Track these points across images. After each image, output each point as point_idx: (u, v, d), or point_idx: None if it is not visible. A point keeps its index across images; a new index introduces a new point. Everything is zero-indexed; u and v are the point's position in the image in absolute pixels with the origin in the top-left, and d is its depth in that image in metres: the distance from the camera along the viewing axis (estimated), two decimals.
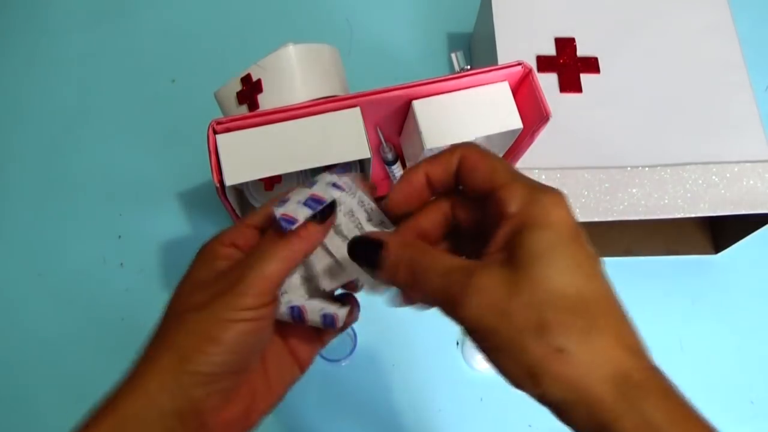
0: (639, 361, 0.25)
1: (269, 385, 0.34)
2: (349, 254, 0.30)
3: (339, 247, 0.33)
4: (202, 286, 0.30)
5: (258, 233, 0.33)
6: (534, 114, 0.45)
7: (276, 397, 0.35)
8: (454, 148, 0.30)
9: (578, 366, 0.25)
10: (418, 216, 0.32)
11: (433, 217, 0.32)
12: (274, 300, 0.30)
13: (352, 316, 0.35)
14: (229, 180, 0.42)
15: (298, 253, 0.31)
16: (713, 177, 0.56)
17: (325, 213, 0.31)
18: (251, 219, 0.33)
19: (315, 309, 0.32)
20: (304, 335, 0.35)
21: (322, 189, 0.32)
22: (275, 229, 0.31)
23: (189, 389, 0.28)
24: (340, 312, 0.33)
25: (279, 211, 0.30)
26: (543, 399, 0.25)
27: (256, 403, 0.33)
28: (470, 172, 0.29)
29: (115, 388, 0.29)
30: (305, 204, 0.31)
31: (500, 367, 0.26)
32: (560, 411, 0.25)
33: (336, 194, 0.33)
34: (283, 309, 0.32)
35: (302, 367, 0.36)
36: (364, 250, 0.30)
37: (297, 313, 0.32)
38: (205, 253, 0.32)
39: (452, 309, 0.27)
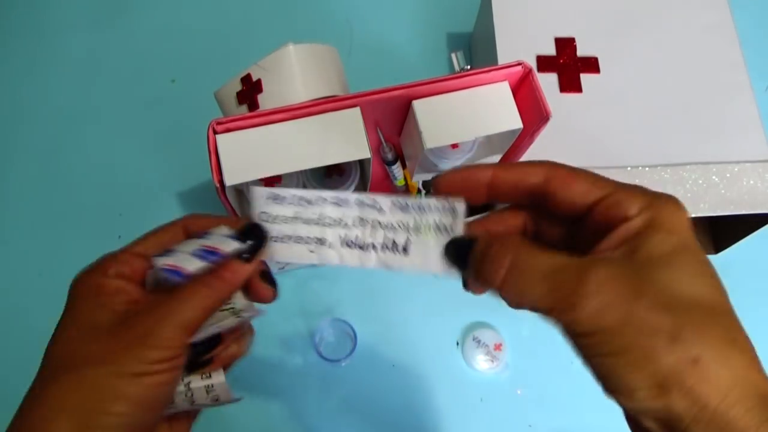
0: (761, 401, 0.22)
1: (170, 429, 0.30)
2: (445, 254, 0.27)
3: None
4: (97, 332, 0.26)
5: (147, 262, 0.28)
6: (534, 114, 0.45)
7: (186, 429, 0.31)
8: (536, 164, 0.27)
9: (716, 380, 0.22)
10: (490, 219, 0.29)
11: (510, 224, 0.29)
12: (187, 348, 0.27)
13: (238, 349, 0.31)
14: (229, 180, 0.42)
15: (220, 298, 0.27)
16: (713, 177, 0.56)
17: (251, 251, 0.28)
18: (138, 246, 0.29)
19: (203, 397, 0.29)
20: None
21: (219, 240, 0.28)
22: (165, 282, 0.26)
23: None
24: (216, 381, 0.29)
25: (161, 261, 0.26)
26: (659, 415, 0.22)
27: None
28: (563, 190, 0.27)
29: None
30: (195, 254, 0.26)
31: (616, 374, 0.23)
32: (674, 427, 0.22)
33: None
34: (181, 404, 0.29)
35: (195, 414, 0.32)
36: (455, 249, 0.27)
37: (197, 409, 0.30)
38: (90, 289, 0.27)
39: (562, 312, 0.23)
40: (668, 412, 0.22)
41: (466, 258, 0.26)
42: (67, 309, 0.28)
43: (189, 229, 0.29)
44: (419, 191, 0.57)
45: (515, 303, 0.25)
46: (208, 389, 0.29)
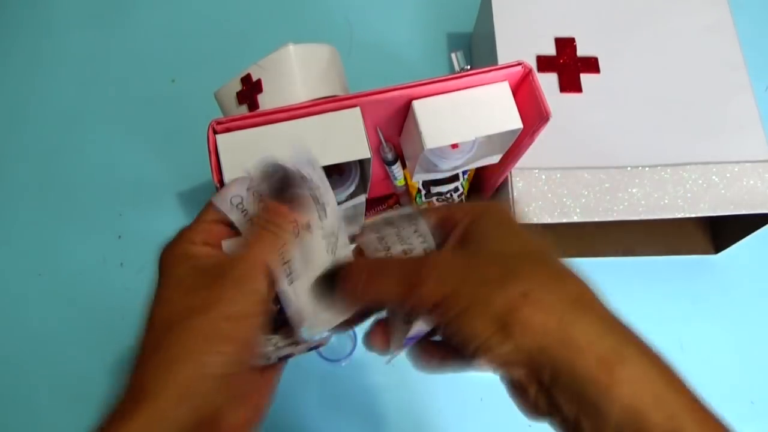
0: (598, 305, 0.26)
1: (265, 380, 0.34)
2: (314, 292, 0.32)
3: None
4: (193, 288, 0.29)
5: (225, 227, 0.32)
6: (534, 114, 0.45)
7: (273, 390, 0.34)
8: (420, 289, 0.28)
9: (548, 307, 0.24)
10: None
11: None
12: (272, 285, 0.30)
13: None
14: (229, 180, 0.41)
15: (282, 237, 0.31)
16: (713, 177, 0.56)
17: (284, 190, 0.32)
18: (211, 214, 0.32)
19: (302, 349, 0.33)
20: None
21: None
22: (253, 223, 0.31)
23: (210, 396, 0.27)
24: (324, 337, 0.33)
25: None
26: (514, 357, 0.25)
27: (260, 401, 0.33)
28: (446, 333, 0.28)
29: (118, 406, 0.27)
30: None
31: (467, 333, 0.26)
32: (533, 367, 0.25)
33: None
34: (273, 358, 0.32)
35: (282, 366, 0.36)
36: (325, 281, 0.31)
37: (286, 358, 0.33)
38: (180, 256, 0.31)
39: (411, 292, 0.27)
40: (521, 353, 0.25)
41: (334, 284, 0.31)
42: (161, 277, 0.31)
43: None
44: (419, 191, 0.57)
45: (373, 304, 0.31)
46: (294, 344, 0.33)
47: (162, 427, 0.26)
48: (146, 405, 0.26)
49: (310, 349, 0.33)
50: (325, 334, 0.33)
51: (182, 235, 0.31)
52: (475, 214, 0.29)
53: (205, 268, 0.30)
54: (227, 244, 0.31)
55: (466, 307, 0.26)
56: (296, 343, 0.33)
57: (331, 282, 0.31)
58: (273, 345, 0.32)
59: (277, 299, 0.31)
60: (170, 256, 0.31)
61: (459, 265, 0.27)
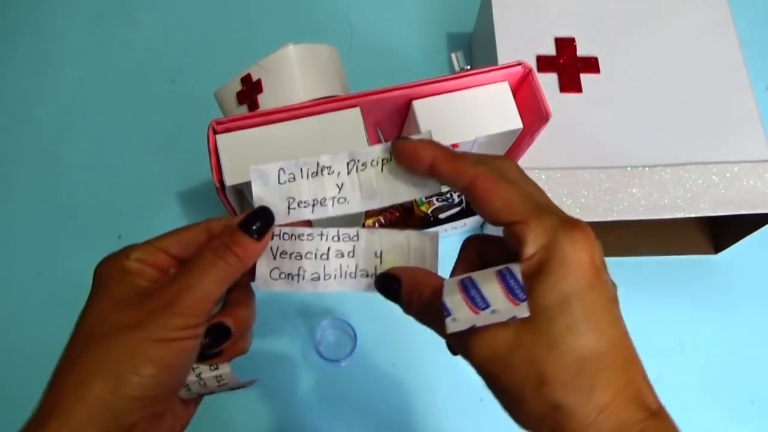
0: (639, 412, 0.25)
1: (185, 408, 0.33)
2: (377, 288, 0.32)
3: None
4: (125, 305, 0.28)
5: (169, 259, 0.31)
6: (534, 114, 0.45)
7: (189, 415, 0.33)
8: (470, 165, 0.28)
9: (577, 423, 0.25)
10: (456, 266, 0.32)
11: (469, 261, 0.32)
12: (208, 317, 0.29)
13: (243, 344, 0.33)
14: (229, 180, 0.42)
15: (234, 272, 0.30)
16: (713, 177, 0.56)
17: (261, 229, 0.30)
18: (159, 242, 0.31)
19: (225, 388, 0.32)
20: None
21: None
22: (209, 246, 0.30)
23: (122, 416, 0.27)
24: (224, 372, 0.32)
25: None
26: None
27: (175, 424, 0.32)
28: (482, 202, 0.28)
29: (29, 422, 0.27)
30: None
31: (504, 407, 0.27)
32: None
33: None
34: (193, 391, 0.31)
35: (240, 351, 0.34)
36: (386, 285, 0.31)
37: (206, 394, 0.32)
38: (114, 269, 0.30)
39: (460, 348, 0.27)
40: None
41: (395, 295, 0.31)
42: (94, 288, 0.30)
43: (212, 231, 0.31)
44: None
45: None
46: (218, 379, 0.32)
47: None
48: (54, 422, 0.26)
49: (233, 389, 0.32)
50: (252, 379, 0.33)
51: (125, 252, 0.30)
52: (546, 263, 0.25)
53: (142, 287, 0.29)
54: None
55: (504, 393, 0.27)
56: (220, 378, 0.32)
57: (389, 286, 0.31)
58: (196, 375, 0.31)
59: (207, 331, 0.30)
60: (105, 267, 0.30)
61: (506, 348, 0.26)
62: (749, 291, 0.65)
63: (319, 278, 0.32)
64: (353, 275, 0.33)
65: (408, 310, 0.30)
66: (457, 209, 0.60)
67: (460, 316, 0.25)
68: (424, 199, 0.57)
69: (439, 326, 0.28)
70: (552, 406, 0.25)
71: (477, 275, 0.27)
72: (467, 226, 0.63)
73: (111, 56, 0.72)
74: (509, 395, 0.26)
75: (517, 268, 0.26)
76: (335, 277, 0.32)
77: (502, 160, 0.29)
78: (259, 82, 0.47)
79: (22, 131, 0.68)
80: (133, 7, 0.74)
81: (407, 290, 0.30)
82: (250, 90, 0.48)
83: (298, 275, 0.32)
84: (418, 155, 0.30)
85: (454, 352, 0.32)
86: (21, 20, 0.73)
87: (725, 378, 0.61)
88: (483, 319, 0.25)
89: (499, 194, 0.27)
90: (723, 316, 0.64)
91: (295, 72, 0.47)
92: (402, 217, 0.62)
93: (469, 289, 0.26)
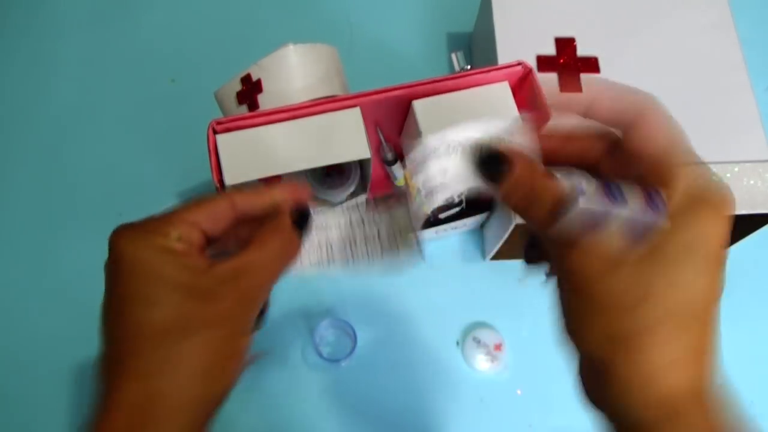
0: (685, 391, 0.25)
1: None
2: (473, 163, 0.28)
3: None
4: (195, 294, 0.26)
5: (202, 236, 0.29)
6: (534, 114, 0.45)
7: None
8: (633, 99, 0.27)
9: (650, 362, 0.24)
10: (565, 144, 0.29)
11: (579, 147, 0.29)
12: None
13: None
14: (229, 180, 0.42)
15: (290, 262, 0.29)
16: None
17: (305, 225, 0.30)
18: (189, 214, 0.28)
19: None
20: None
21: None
22: (277, 237, 0.29)
23: (212, 412, 0.27)
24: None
25: None
26: (597, 363, 0.25)
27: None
28: (645, 140, 0.26)
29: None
30: None
31: (573, 311, 0.26)
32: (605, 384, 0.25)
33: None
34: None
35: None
36: (489, 163, 0.27)
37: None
38: (157, 251, 0.27)
39: (559, 251, 0.26)
40: (612, 373, 0.25)
41: (498, 175, 0.27)
42: (134, 270, 0.27)
43: (237, 206, 0.30)
44: (419, 191, 0.56)
45: (531, 225, 0.27)
46: None
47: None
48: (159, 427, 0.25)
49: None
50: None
51: (158, 228, 0.27)
52: (684, 220, 0.25)
53: (199, 271, 0.27)
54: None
55: (589, 302, 0.25)
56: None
57: (494, 165, 0.28)
58: None
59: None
60: (147, 249, 0.27)
61: (613, 261, 0.25)
62: (749, 291, 0.65)
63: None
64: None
65: (509, 197, 0.27)
66: (457, 209, 0.60)
67: (592, 201, 0.24)
68: (424, 199, 0.57)
69: (541, 218, 0.26)
70: (640, 327, 0.24)
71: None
72: (467, 226, 0.63)
73: (111, 56, 0.72)
74: (595, 304, 0.25)
75: (661, 191, 0.25)
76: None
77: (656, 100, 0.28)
78: (259, 82, 0.47)
79: (22, 131, 0.68)
80: (133, 7, 0.74)
81: (520, 175, 0.27)
82: (250, 90, 0.48)
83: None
84: (573, 101, 0.28)
85: (531, 260, 0.32)
86: (21, 20, 0.73)
87: (725, 378, 0.61)
88: (615, 215, 0.24)
89: (664, 134, 0.27)
90: (723, 316, 0.64)
91: (295, 72, 0.47)
92: None
93: (607, 184, 0.25)
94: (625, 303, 0.24)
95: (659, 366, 0.24)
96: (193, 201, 0.29)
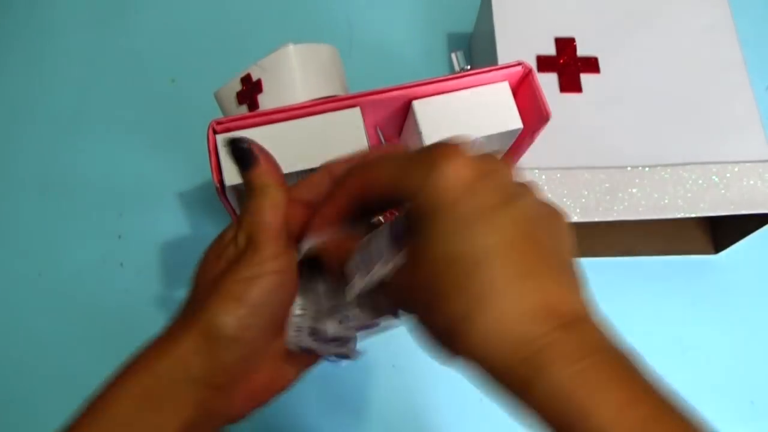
0: (543, 324, 0.22)
1: (292, 358, 0.34)
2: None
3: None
4: (224, 255, 0.31)
5: (303, 208, 0.32)
6: (534, 114, 0.45)
7: (297, 370, 0.34)
8: (341, 181, 0.30)
9: (476, 334, 0.23)
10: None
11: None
12: (288, 250, 0.30)
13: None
14: (229, 180, 0.42)
15: (282, 196, 0.31)
16: (713, 177, 0.56)
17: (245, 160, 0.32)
18: (296, 192, 0.32)
19: (326, 350, 0.33)
20: None
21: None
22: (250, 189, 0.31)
23: (219, 353, 0.28)
24: (350, 348, 0.34)
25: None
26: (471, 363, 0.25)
27: (278, 375, 0.33)
28: (371, 197, 0.29)
29: (148, 345, 0.30)
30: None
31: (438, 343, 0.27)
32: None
33: None
34: (292, 346, 0.33)
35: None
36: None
37: (308, 352, 0.33)
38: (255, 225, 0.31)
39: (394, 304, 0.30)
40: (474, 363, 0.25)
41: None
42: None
43: (333, 173, 0.32)
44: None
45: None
46: (339, 335, 0.33)
47: (177, 371, 0.28)
48: (169, 346, 0.29)
49: (341, 353, 0.34)
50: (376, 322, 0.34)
51: (268, 207, 0.31)
52: (411, 188, 0.25)
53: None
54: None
55: (419, 318, 0.27)
56: (346, 319, 0.33)
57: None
58: (300, 310, 0.32)
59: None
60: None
61: (405, 278, 0.27)
62: (749, 291, 0.65)
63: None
64: None
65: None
66: None
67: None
68: None
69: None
70: (451, 319, 0.23)
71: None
72: None
73: (110, 56, 0.72)
74: (419, 329, 0.27)
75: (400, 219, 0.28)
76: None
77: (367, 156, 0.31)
78: (259, 82, 0.47)
79: (22, 131, 0.68)
80: (132, 7, 0.74)
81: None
82: (250, 90, 0.48)
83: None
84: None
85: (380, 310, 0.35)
86: (20, 19, 0.73)
87: (725, 378, 0.61)
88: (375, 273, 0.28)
89: (378, 172, 0.28)
90: (723, 316, 0.64)
91: (295, 72, 0.47)
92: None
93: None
94: (431, 311, 0.25)
95: (493, 318, 0.23)
96: (298, 181, 0.33)
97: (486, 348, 0.23)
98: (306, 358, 0.34)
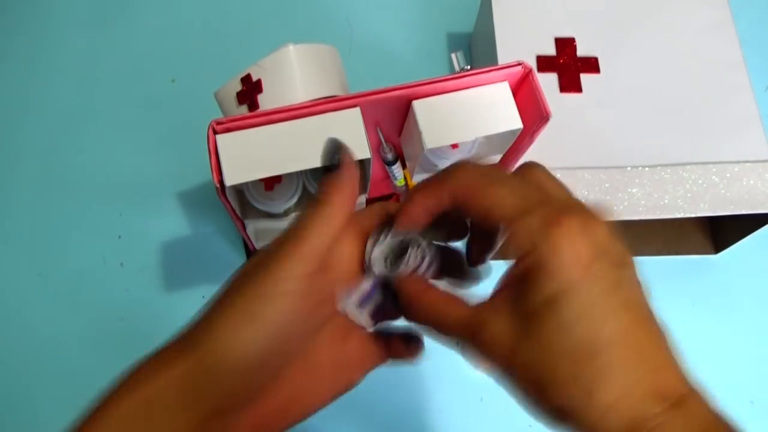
0: (655, 406, 0.24)
1: (312, 388, 0.30)
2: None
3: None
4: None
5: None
6: (534, 114, 0.45)
7: (317, 403, 0.31)
8: (446, 177, 0.28)
9: (584, 425, 0.24)
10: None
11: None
12: (319, 271, 0.27)
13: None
14: (229, 180, 0.42)
15: (339, 219, 0.28)
16: (713, 177, 0.56)
17: (333, 164, 0.29)
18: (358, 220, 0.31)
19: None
20: (368, 343, 0.32)
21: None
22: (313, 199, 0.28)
23: (219, 378, 0.25)
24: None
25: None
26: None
27: (293, 403, 0.29)
28: (468, 208, 0.27)
29: (145, 360, 0.26)
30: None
31: (521, 404, 0.27)
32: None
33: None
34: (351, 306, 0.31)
35: (353, 379, 0.32)
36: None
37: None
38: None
39: (476, 352, 0.28)
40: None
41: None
42: None
43: (390, 211, 0.32)
44: None
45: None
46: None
47: (170, 396, 0.25)
48: (167, 366, 0.25)
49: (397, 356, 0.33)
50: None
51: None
52: (537, 262, 0.25)
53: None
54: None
55: (518, 392, 0.27)
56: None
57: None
58: (380, 249, 0.30)
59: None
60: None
61: (509, 352, 0.26)
62: (749, 291, 0.65)
63: None
64: None
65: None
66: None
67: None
68: None
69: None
70: (556, 409, 0.25)
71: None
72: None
73: (111, 56, 0.72)
74: (520, 396, 0.27)
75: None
76: None
77: (475, 164, 0.29)
78: (259, 82, 0.47)
79: (21, 131, 0.68)
80: (133, 7, 0.74)
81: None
82: (250, 90, 0.48)
83: None
84: (413, 212, 0.30)
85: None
86: (19, 18, 0.73)
87: (725, 378, 0.61)
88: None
89: (482, 198, 0.27)
90: (723, 316, 0.64)
91: (295, 72, 0.47)
92: None
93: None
94: (532, 393, 0.26)
95: (609, 402, 0.24)
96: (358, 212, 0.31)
97: (602, 425, 0.24)
98: (334, 382, 0.31)
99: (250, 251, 0.54)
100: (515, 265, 0.26)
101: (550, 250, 0.24)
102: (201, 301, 0.62)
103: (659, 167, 0.56)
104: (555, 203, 0.26)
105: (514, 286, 0.26)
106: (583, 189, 0.55)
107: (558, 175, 0.57)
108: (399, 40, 0.74)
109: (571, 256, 0.24)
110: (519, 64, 0.45)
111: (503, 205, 0.26)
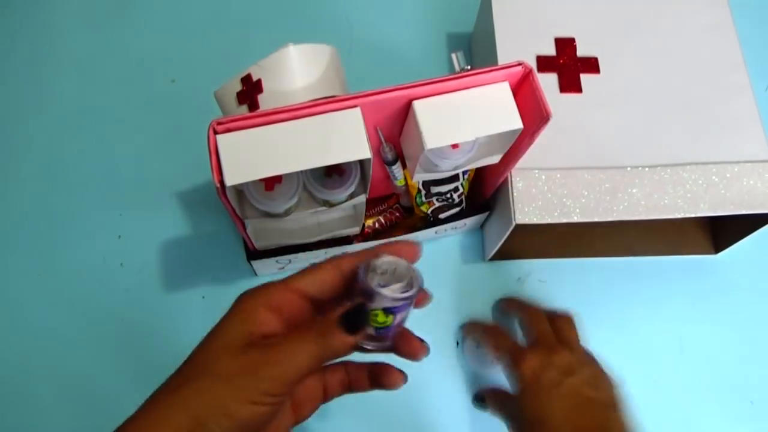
0: None
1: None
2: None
3: None
4: (232, 351, 0.30)
5: (305, 303, 0.33)
6: (534, 114, 0.45)
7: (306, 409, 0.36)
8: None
9: None
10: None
11: None
12: (293, 389, 0.31)
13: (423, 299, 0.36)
14: (230, 180, 0.42)
15: (322, 358, 0.31)
16: (713, 177, 0.56)
17: (357, 323, 0.31)
18: (298, 283, 0.33)
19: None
20: (311, 390, 0.36)
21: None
22: (313, 329, 0.31)
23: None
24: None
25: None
26: None
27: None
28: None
29: (134, 417, 0.29)
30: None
31: None
32: None
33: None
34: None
35: (300, 418, 0.36)
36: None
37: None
38: (244, 312, 0.32)
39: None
40: None
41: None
42: (221, 322, 0.32)
43: (343, 270, 0.33)
44: (419, 191, 0.57)
45: None
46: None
47: None
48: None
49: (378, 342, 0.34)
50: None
51: (259, 292, 0.32)
52: (537, 402, 0.46)
53: (252, 337, 0.31)
54: None
55: None
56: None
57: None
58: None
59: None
60: (239, 307, 0.32)
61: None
62: (749, 291, 0.65)
63: None
64: None
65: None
66: (457, 209, 0.60)
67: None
68: (424, 199, 0.57)
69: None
70: None
71: None
72: (467, 226, 0.63)
73: (111, 56, 0.72)
74: None
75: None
76: None
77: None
78: (259, 82, 0.47)
79: (22, 131, 0.68)
80: (133, 7, 0.74)
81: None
82: (250, 90, 0.48)
83: None
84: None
85: (478, 405, 0.58)
86: (21, 20, 0.73)
87: (725, 378, 0.61)
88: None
89: (492, 340, 0.53)
90: (723, 316, 0.64)
91: (295, 72, 0.47)
92: (402, 217, 0.62)
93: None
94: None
95: None
96: (305, 269, 0.34)
97: None
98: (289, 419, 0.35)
99: (250, 251, 0.54)
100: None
101: (546, 403, 0.45)
102: (201, 301, 0.62)
103: (659, 167, 0.56)
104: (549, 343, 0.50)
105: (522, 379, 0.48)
106: (583, 189, 0.55)
107: (558, 175, 0.57)
108: (399, 40, 0.74)
109: (527, 367, 0.47)
110: (519, 64, 0.45)
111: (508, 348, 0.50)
